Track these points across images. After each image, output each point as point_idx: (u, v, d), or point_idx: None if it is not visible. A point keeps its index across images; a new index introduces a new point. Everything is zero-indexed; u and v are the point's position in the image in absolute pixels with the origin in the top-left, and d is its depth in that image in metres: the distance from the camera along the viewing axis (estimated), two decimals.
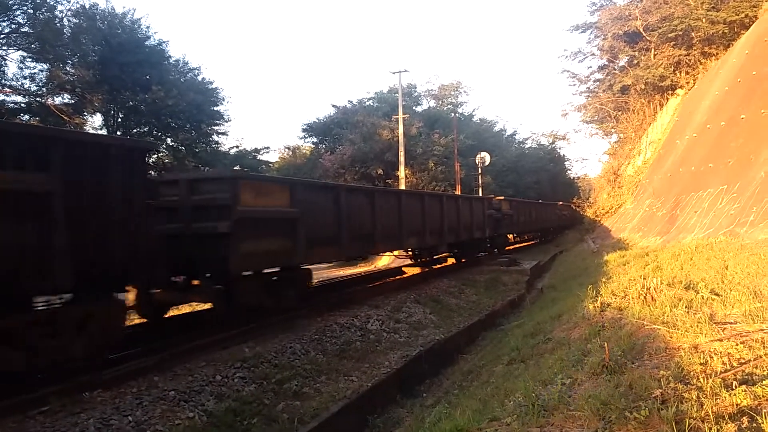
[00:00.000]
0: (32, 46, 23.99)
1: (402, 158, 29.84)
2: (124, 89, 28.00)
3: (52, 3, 24.38)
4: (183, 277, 8.21)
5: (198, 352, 7.27)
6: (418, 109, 44.26)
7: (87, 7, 27.42)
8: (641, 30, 32.41)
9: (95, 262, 6.07)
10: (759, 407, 2.90)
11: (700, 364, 3.73)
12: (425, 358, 8.66)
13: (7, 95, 24.93)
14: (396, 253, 17.16)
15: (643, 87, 33.38)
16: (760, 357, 3.68)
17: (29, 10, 23.66)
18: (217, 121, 34.33)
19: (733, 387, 3.19)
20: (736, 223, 12.54)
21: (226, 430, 5.64)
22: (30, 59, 24.82)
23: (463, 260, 19.17)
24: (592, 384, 3.86)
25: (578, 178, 69.48)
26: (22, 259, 5.38)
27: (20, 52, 24.55)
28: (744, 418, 2.82)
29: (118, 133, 28.86)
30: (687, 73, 31.09)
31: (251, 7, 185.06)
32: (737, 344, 4.05)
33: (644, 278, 7.02)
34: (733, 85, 21.19)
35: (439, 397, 7.04)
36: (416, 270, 16.88)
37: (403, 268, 17.45)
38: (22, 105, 25.67)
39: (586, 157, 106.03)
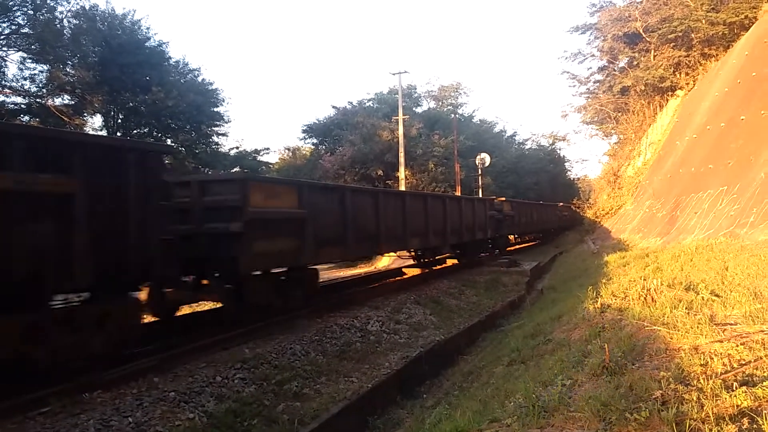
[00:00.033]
0: (32, 47, 24.01)
1: (402, 159, 29.85)
2: (124, 90, 28.02)
3: (52, 4, 24.41)
4: (192, 276, 8.32)
5: (198, 353, 7.27)
6: (418, 110, 44.28)
7: (87, 8, 27.47)
8: (641, 31, 32.44)
9: (113, 261, 6.25)
10: (759, 408, 2.90)
11: (701, 365, 3.73)
12: (425, 359, 8.65)
13: (7, 96, 24.96)
14: (399, 253, 17.22)
15: (643, 88, 33.42)
16: (761, 358, 3.68)
17: (29, 12, 23.69)
18: (217, 122, 34.35)
19: (734, 388, 3.19)
20: (736, 224, 12.54)
21: (226, 431, 5.64)
22: (30, 60, 24.87)
23: (465, 261, 19.22)
24: (593, 385, 3.86)
25: (578, 179, 69.58)
26: (45, 258, 5.53)
27: (20, 53, 24.63)
28: (744, 419, 2.82)
29: (118, 134, 28.88)
30: (687, 74, 31.11)
31: (251, 8, 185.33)
32: (737, 345, 4.05)
33: (644, 279, 7.02)
34: (732, 86, 21.20)
35: (440, 398, 7.04)
36: (416, 271, 16.89)
37: (403, 269, 17.46)
38: (22, 106, 25.70)
39: (586, 158, 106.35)
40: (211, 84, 33.63)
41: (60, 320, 5.79)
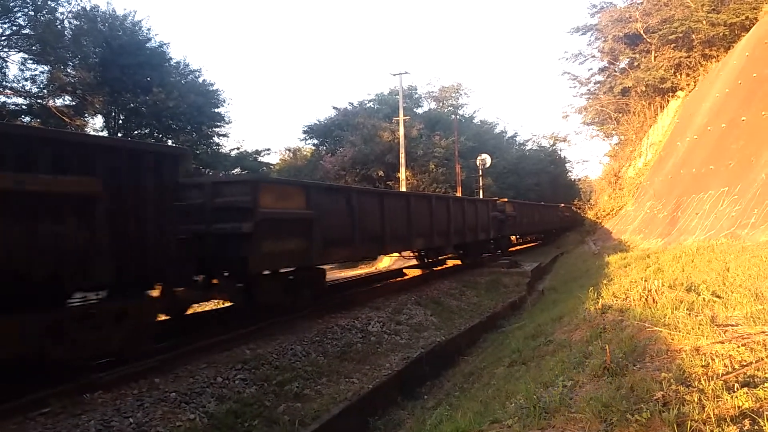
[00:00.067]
0: (33, 47, 24.05)
1: (403, 160, 29.86)
2: (125, 91, 28.05)
3: (53, 5, 24.43)
4: (202, 276, 8.43)
5: (199, 354, 7.27)
6: (419, 110, 44.33)
7: (88, 9, 27.51)
8: (641, 32, 32.44)
9: (131, 260, 6.41)
10: (761, 410, 2.89)
11: (702, 366, 3.73)
12: (426, 360, 8.65)
13: (8, 97, 25.00)
14: (403, 254, 17.32)
15: (643, 89, 33.42)
16: (762, 359, 3.67)
17: (30, 12, 23.71)
18: (218, 123, 34.38)
19: (735, 389, 3.19)
20: (738, 225, 12.53)
21: None
22: (31, 61, 24.92)
23: (468, 261, 19.32)
24: (594, 386, 3.86)
25: (579, 179, 69.65)
26: (68, 257, 5.71)
27: (21, 54, 24.68)
28: (746, 420, 2.82)
29: (119, 134, 28.91)
30: (687, 75, 31.11)
31: (252, 9, 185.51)
32: (739, 346, 4.04)
33: (645, 280, 7.01)
34: (733, 87, 21.19)
35: (440, 399, 7.04)
36: (417, 272, 16.91)
37: (404, 270, 17.47)
38: (23, 107, 25.75)
39: (586, 159, 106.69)
40: (212, 85, 33.72)
41: (80, 318, 5.93)
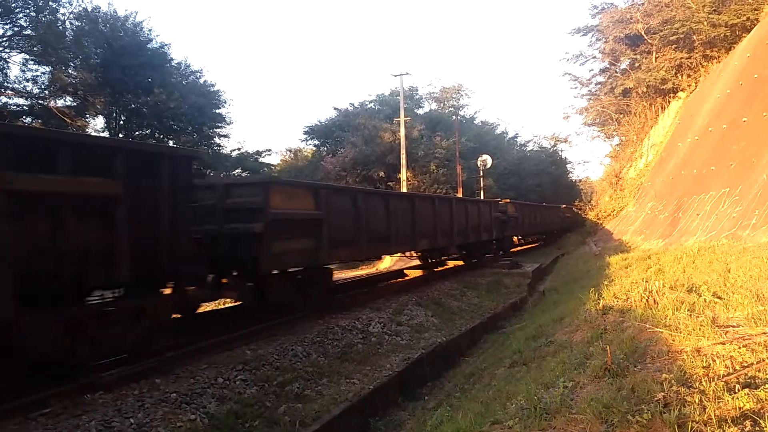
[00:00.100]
0: (35, 48, 24.08)
1: (404, 161, 29.88)
2: (126, 92, 28.07)
3: (54, 6, 24.44)
4: (212, 275, 8.56)
5: (200, 354, 7.28)
6: (420, 111, 44.35)
7: (89, 10, 27.50)
8: (642, 33, 32.45)
9: (148, 259, 6.59)
10: (762, 411, 2.89)
11: (703, 367, 3.72)
12: (427, 361, 8.65)
13: (9, 98, 25.02)
14: (408, 254, 17.50)
15: (644, 90, 33.42)
16: (763, 360, 3.66)
17: (32, 13, 23.74)
18: (219, 124, 34.39)
19: (736, 390, 3.19)
20: (739, 226, 12.52)
21: None
22: (32, 62, 24.93)
23: (472, 261, 19.48)
24: (595, 387, 3.86)
25: (580, 180, 69.54)
26: (90, 256, 5.88)
27: (23, 55, 24.69)
28: (747, 421, 2.82)
29: (120, 135, 28.94)
30: (689, 76, 31.11)
31: (253, 10, 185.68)
32: (740, 347, 4.03)
33: (646, 281, 7.00)
34: (734, 88, 21.18)
35: (441, 400, 7.03)
36: (418, 272, 16.92)
37: (405, 271, 17.48)
38: (25, 107, 25.76)
39: (587, 159, 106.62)
40: (213, 86, 33.71)
41: (100, 315, 6.10)
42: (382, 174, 33.24)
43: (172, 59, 31.77)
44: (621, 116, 38.30)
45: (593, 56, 39.74)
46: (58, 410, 5.25)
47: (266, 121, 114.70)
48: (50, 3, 24.05)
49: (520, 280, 16.92)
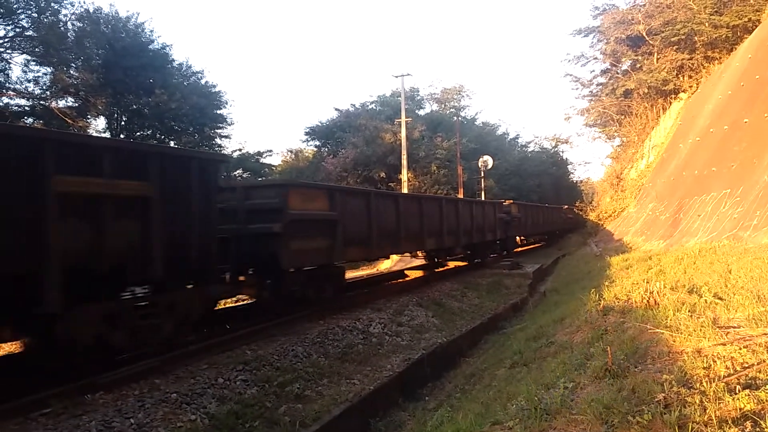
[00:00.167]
0: (36, 49, 24.12)
1: (405, 162, 29.89)
2: (128, 92, 28.13)
3: (56, 7, 24.51)
4: (230, 273, 8.84)
5: (200, 354, 7.28)
6: (421, 112, 44.38)
7: (91, 11, 27.59)
8: (644, 34, 32.44)
9: (179, 256, 7.00)
10: (762, 411, 2.88)
11: (704, 368, 3.72)
12: (427, 362, 8.65)
13: (11, 98, 25.07)
14: (415, 253, 17.74)
15: (646, 91, 33.38)
16: (764, 361, 3.66)
17: (33, 14, 23.80)
18: (220, 125, 34.45)
19: (737, 391, 3.18)
20: (740, 227, 12.50)
21: None
22: (34, 63, 24.99)
23: (477, 261, 19.67)
24: (595, 388, 3.85)
25: (581, 181, 69.48)
26: (128, 253, 6.34)
27: (24, 56, 24.74)
28: (747, 422, 2.81)
29: (121, 136, 28.98)
30: (690, 77, 31.08)
31: (254, 11, 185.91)
32: (741, 348, 4.03)
33: (647, 282, 7.00)
34: (736, 88, 21.16)
35: (442, 401, 7.02)
36: (418, 273, 16.95)
37: (405, 271, 17.50)
38: (26, 108, 25.82)
39: (588, 160, 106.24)
40: (214, 86, 33.78)
41: (137, 308, 6.55)
42: (383, 175, 33.26)
43: (173, 60, 31.91)
44: (622, 117, 38.26)
45: (594, 57, 39.76)
46: (59, 410, 5.25)
47: (267, 122, 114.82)
48: (52, 4, 24.12)
49: (520, 281, 16.93)
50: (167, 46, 33.11)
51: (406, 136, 30.22)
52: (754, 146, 15.83)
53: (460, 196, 28.41)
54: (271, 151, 65.17)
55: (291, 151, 47.88)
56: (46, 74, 25.43)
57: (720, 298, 5.87)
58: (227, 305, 11.02)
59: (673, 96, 32.67)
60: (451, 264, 18.75)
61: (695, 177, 19.55)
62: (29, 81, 25.38)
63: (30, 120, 25.37)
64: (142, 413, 5.45)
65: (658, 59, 32.31)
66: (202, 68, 53.99)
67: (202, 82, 33.14)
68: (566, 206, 42.12)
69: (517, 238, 28.07)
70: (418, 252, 17.34)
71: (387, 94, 42.28)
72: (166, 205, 6.69)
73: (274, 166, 42.43)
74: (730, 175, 16.00)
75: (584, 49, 50.36)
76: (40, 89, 25.58)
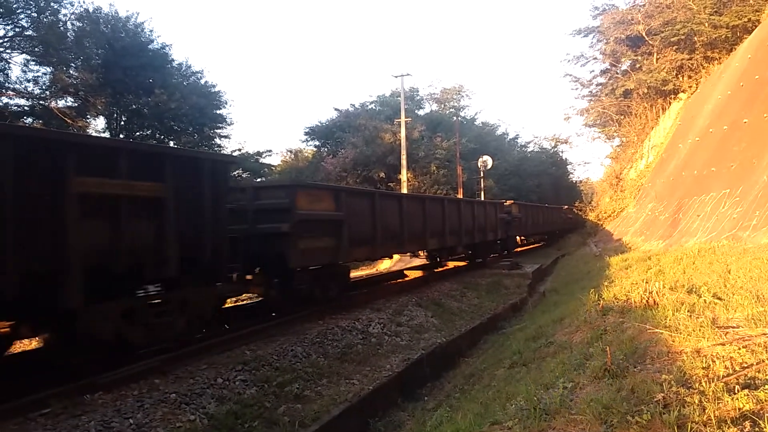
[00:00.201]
0: (36, 49, 24.13)
1: (404, 161, 29.90)
2: (127, 92, 28.13)
3: (55, 7, 24.53)
4: (237, 272, 8.92)
5: (199, 355, 7.28)
6: (421, 112, 44.38)
7: (90, 10, 27.62)
8: (644, 34, 32.45)
9: (192, 255, 7.16)
10: (761, 411, 2.88)
11: (703, 368, 3.72)
12: (427, 362, 8.65)
13: (10, 98, 25.08)
14: (418, 253, 17.87)
15: (645, 91, 33.40)
16: (763, 361, 3.66)
17: (33, 14, 23.80)
18: (220, 125, 34.47)
19: (736, 391, 3.18)
20: (739, 227, 12.51)
21: None
22: (33, 62, 25.00)
23: (478, 260, 19.77)
24: (594, 388, 3.85)
25: (580, 181, 69.44)
26: (144, 251, 6.50)
27: (24, 56, 24.77)
28: (746, 422, 2.81)
29: (121, 136, 28.97)
30: (689, 77, 31.10)
31: (253, 11, 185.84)
32: (740, 348, 4.03)
33: (646, 282, 7.00)
34: (735, 89, 21.17)
35: (441, 401, 7.02)
36: (418, 273, 16.96)
37: (405, 272, 17.52)
38: (26, 108, 25.84)
39: (588, 160, 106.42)
40: (214, 86, 33.80)
41: (153, 305, 6.74)
42: (382, 175, 33.27)
43: (173, 60, 31.93)
44: (622, 117, 38.29)
45: (594, 57, 39.79)
46: (58, 410, 5.24)
47: (267, 122, 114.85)
48: (52, 4, 24.13)
49: (520, 281, 16.92)
50: (167, 45, 33.11)
51: (405, 136, 30.23)
52: (753, 146, 15.84)
53: (460, 196, 28.43)
54: (270, 151, 65.28)
55: (290, 151, 47.95)
56: (45, 74, 25.49)
57: (719, 298, 5.87)
58: (227, 305, 10.99)
59: (672, 96, 32.69)
60: (451, 264, 18.76)
61: (694, 177, 19.56)
62: (29, 81, 25.47)
63: (29, 120, 25.37)
64: (141, 413, 5.44)
65: (657, 59, 32.33)
66: (202, 68, 54.12)
67: (202, 82, 33.19)
68: (566, 206, 42.13)
69: (518, 238, 28.13)
70: (420, 252, 17.42)
71: (386, 94, 42.35)
72: (179, 206, 6.85)
73: (273, 166, 42.46)
74: (730, 176, 16.01)
75: (584, 49, 50.48)
76: (39, 89, 25.64)
